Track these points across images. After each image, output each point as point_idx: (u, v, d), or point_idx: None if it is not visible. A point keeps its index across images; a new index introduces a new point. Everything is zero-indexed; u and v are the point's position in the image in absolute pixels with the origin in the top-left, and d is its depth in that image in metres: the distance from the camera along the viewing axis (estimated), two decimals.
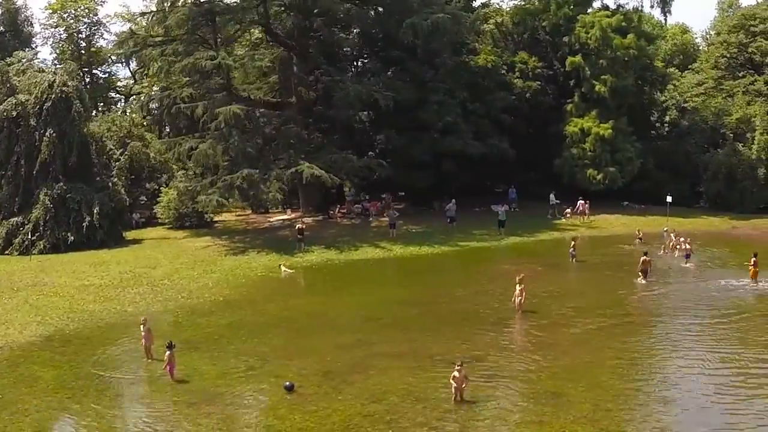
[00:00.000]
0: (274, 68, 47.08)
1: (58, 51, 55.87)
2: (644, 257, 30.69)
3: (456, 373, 17.81)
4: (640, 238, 38.82)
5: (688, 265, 33.47)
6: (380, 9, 48.59)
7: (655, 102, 55.70)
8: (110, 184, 43.49)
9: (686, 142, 53.55)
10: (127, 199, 44.51)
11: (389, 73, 49.08)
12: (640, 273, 30.31)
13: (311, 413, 17.85)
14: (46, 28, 56.60)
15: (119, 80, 57.82)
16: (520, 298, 25.53)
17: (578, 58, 49.40)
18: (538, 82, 50.46)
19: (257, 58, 41.76)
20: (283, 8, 45.45)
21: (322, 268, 35.98)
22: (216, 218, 49.49)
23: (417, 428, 16.77)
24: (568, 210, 48.05)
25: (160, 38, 44.91)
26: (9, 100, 41.34)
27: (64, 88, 41.98)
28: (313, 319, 26.39)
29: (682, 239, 35.24)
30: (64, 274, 35.07)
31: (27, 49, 51.83)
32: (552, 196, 49.13)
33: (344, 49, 50.86)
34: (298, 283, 33.43)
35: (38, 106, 41.48)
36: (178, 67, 41.03)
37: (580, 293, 29.17)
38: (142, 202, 49.45)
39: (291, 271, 34.78)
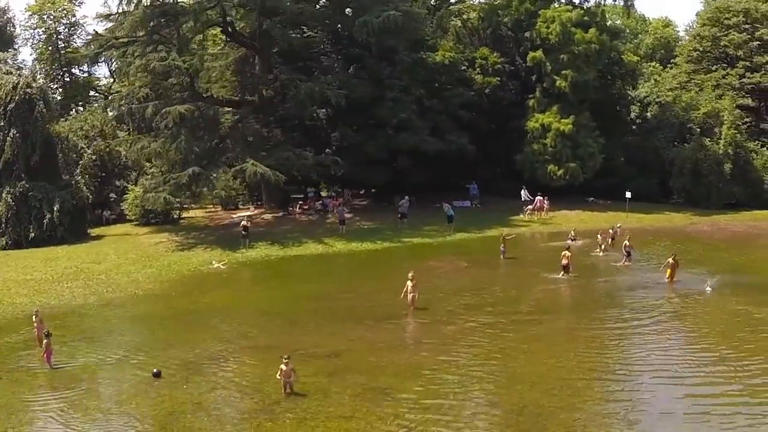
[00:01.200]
0: (239, 67, 47.93)
1: (37, 52, 57.62)
2: (565, 252, 31.03)
3: (283, 367, 18.44)
4: (573, 239, 38.41)
5: (621, 263, 32.96)
6: (347, 10, 49.06)
7: (625, 97, 55.40)
8: (73, 182, 44.78)
9: (655, 138, 53.30)
10: (90, 197, 45.78)
11: (350, 70, 49.67)
12: (561, 269, 30.63)
13: (148, 399, 18.73)
14: (26, 30, 58.71)
15: (98, 80, 59.40)
16: (412, 294, 26.00)
17: (539, 53, 49.44)
18: (498, 78, 50.57)
19: (206, 59, 42.53)
20: (241, 9, 46.18)
21: (257, 264, 36.92)
22: (185, 215, 50.88)
23: (235, 416, 17.55)
24: (530, 207, 48.18)
25: (125, 39, 46.00)
26: None
27: (27, 90, 43.48)
28: (212, 313, 27.30)
29: (625, 241, 34.81)
30: (13, 269, 36.42)
31: (10, 50, 53.33)
32: (524, 192, 49.15)
33: (312, 48, 51.39)
34: (222, 278, 34.21)
35: (2, 108, 43.02)
36: (132, 68, 42.17)
37: (485, 290, 29.26)
38: (112, 199, 50.75)
39: (223, 267, 35.75)
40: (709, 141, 50.74)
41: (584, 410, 16.88)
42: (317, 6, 49.01)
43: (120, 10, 44.37)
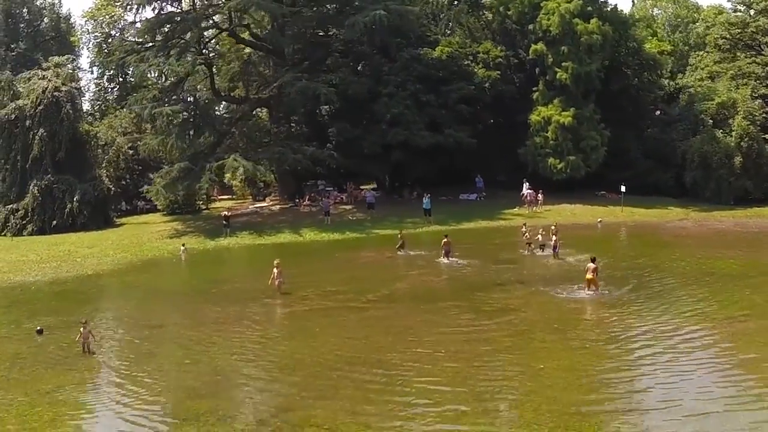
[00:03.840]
0: (244, 67, 51.19)
1: (94, 54, 63.48)
2: (445, 239, 32.18)
3: (81, 329, 21.22)
4: (525, 233, 37.78)
5: (549, 258, 32.51)
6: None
7: (649, 88, 53.60)
8: (97, 175, 49.88)
9: (674, 130, 51.33)
10: (112, 189, 50.60)
11: (359, 68, 51.67)
12: (442, 253, 31.88)
13: None
14: (84, 34, 64.67)
15: (150, 80, 64.24)
16: (278, 280, 27.95)
17: (540, 45, 49.10)
18: (499, 72, 50.62)
19: (190, 63, 45.72)
20: (247, 13, 49.21)
21: (217, 251, 40.11)
22: (214, 204, 55.07)
23: (28, 365, 20.13)
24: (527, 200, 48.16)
25: (150, 44, 50.26)
26: (9, 105, 48.88)
27: (55, 93, 48.84)
28: (118, 290, 31.61)
29: (548, 232, 34.57)
30: (17, 252, 41.32)
31: (68, 54, 59.41)
32: (526, 185, 49.15)
33: (328, 47, 53.73)
34: (172, 263, 37.43)
35: (33, 109, 48.57)
36: (137, 73, 46.47)
37: (367, 278, 30.13)
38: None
39: (186, 251, 39.04)
40: (722, 133, 48.32)
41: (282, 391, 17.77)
42: (327, 7, 51.20)
43: (137, 19, 48.92)
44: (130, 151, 54.67)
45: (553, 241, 33.11)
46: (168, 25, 47.84)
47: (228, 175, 54.97)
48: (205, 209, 53.76)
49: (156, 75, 47.64)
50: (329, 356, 20.02)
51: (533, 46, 49.66)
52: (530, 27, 50.56)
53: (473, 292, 27.02)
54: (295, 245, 40.68)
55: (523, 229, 38.49)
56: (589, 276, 25.69)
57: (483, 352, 19.82)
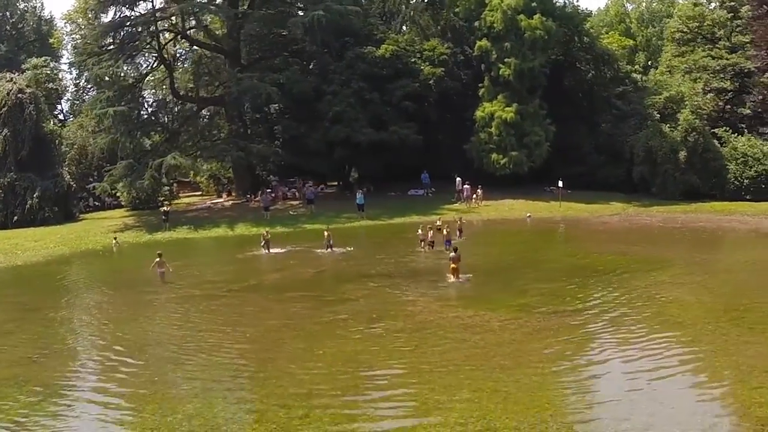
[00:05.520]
0: (195, 67, 52.58)
1: (73, 55, 65.33)
2: (327, 232, 33.58)
3: None
4: (439, 228, 38.14)
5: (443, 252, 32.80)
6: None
7: (606, 83, 53.42)
8: (59, 172, 51.83)
9: (626, 125, 51.13)
10: (74, 185, 52.49)
11: (311, 66, 52.71)
12: (326, 246, 33.16)
13: None
14: (63, 36, 66.78)
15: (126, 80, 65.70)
16: (161, 270, 29.30)
17: (485, 41, 49.48)
18: (443, 69, 51.04)
19: (138, 64, 47.58)
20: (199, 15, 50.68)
21: (146, 245, 41.08)
22: (176, 201, 56.60)
23: None
24: (464, 195, 48.65)
25: (112, 47, 52.04)
26: None
27: (19, 95, 50.92)
28: (29, 278, 32.96)
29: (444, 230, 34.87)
30: None
31: (48, 56, 61.68)
32: (458, 180, 49.55)
33: (286, 47, 54.91)
34: (99, 254, 38.99)
35: None
36: (91, 75, 48.22)
37: (246, 270, 31.24)
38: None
39: (118, 244, 40.66)
40: (669, 127, 47.97)
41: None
42: (282, 9, 52.36)
43: (96, 23, 50.64)
44: (101, 150, 56.46)
45: (445, 235, 33.44)
46: (124, 29, 49.50)
47: (192, 172, 56.62)
48: (165, 205, 55.24)
49: (111, 77, 48.98)
50: (144, 337, 21.32)
51: (478, 43, 50.10)
52: (476, 24, 50.87)
53: (334, 283, 27.95)
54: (222, 239, 42.07)
55: (438, 223, 39.01)
56: (453, 265, 26.51)
57: (282, 337, 20.60)
